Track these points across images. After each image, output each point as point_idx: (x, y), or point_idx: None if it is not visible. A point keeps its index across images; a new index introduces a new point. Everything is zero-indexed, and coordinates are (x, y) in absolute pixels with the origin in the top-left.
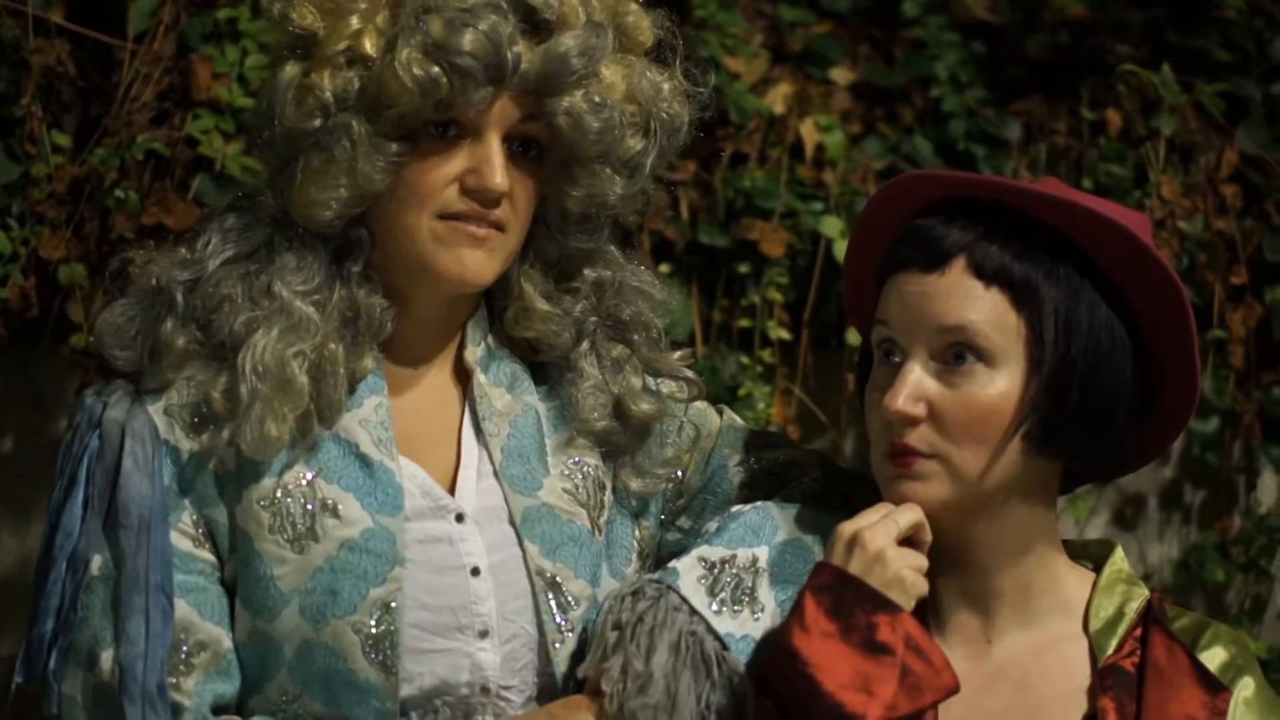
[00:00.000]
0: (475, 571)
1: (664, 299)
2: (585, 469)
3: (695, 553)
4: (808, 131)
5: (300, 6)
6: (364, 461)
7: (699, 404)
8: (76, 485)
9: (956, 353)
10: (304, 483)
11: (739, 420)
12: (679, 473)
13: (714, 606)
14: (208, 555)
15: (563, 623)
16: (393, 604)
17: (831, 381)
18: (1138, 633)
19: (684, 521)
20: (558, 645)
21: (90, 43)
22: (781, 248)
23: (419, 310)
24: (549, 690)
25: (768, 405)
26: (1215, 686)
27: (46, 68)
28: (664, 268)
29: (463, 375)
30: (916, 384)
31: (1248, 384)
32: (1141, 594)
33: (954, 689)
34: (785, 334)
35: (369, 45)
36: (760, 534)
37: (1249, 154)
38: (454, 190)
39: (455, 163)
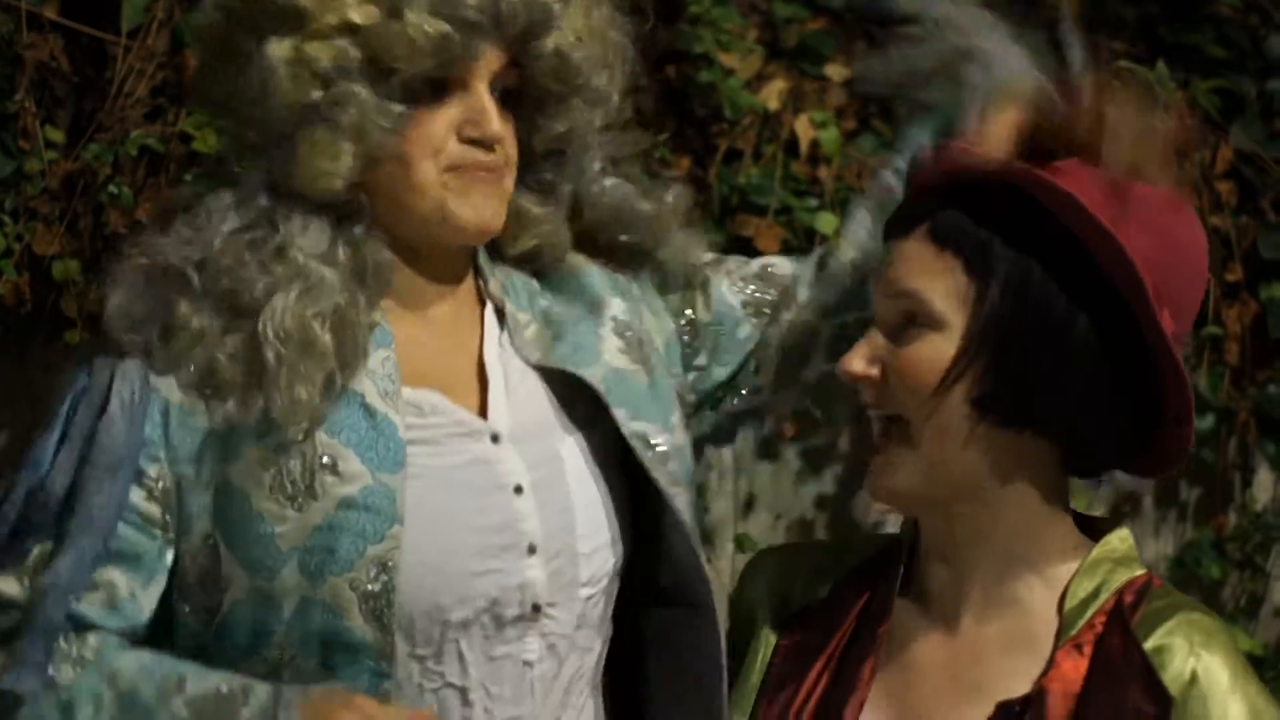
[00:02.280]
0: (518, 490)
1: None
2: (625, 320)
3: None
4: (802, 128)
5: None
6: (368, 412)
7: (681, 241)
8: (56, 420)
9: (907, 317)
10: (301, 437)
11: (708, 254)
12: (689, 311)
13: None
14: (154, 511)
15: (671, 476)
16: (390, 562)
17: None
18: (1103, 617)
19: (701, 359)
20: (675, 497)
21: (84, 38)
22: (776, 244)
23: (429, 258)
24: (591, 606)
25: None
26: (1159, 694)
27: (40, 63)
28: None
29: (479, 303)
30: (871, 345)
31: (1243, 381)
32: (1125, 576)
33: None
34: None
35: (360, 14)
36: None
37: (1244, 150)
38: (453, 142)
39: (450, 115)
